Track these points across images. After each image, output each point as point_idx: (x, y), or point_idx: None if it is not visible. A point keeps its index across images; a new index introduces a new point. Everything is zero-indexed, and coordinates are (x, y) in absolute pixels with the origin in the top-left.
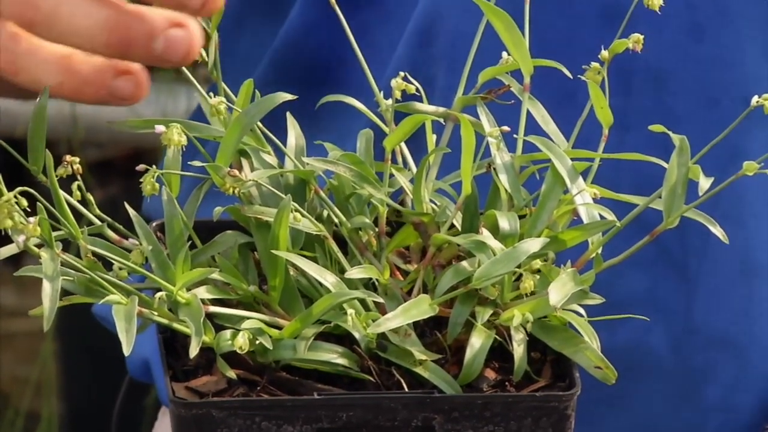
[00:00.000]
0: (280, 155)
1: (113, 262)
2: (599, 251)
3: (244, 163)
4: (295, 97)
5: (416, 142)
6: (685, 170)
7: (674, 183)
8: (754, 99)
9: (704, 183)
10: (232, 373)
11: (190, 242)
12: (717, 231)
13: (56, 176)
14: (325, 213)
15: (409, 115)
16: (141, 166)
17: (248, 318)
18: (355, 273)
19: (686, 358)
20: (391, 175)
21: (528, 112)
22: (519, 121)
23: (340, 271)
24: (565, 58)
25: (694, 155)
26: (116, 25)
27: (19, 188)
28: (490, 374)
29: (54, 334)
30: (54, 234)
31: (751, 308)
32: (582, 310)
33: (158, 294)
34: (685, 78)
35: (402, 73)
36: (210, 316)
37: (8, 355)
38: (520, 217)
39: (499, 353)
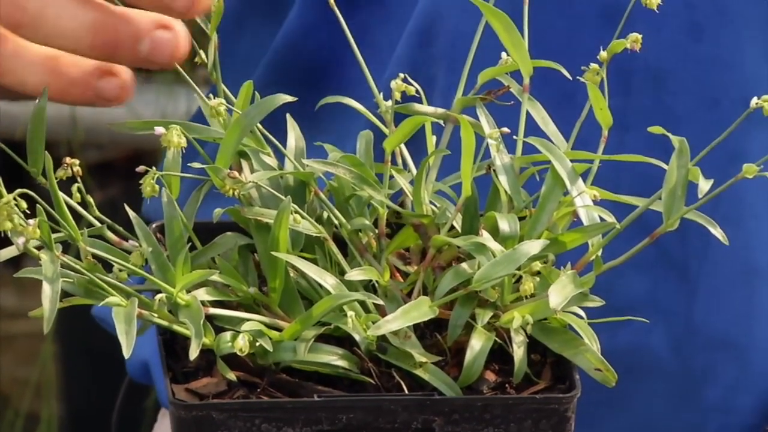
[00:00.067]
0: (280, 157)
1: (113, 263)
2: (599, 253)
3: (244, 164)
4: (295, 98)
5: (416, 143)
6: (684, 172)
7: (674, 185)
8: (754, 100)
9: (704, 185)
10: (232, 375)
11: (189, 244)
12: (717, 233)
13: (56, 178)
14: (325, 215)
15: (408, 117)
16: (141, 168)
17: (248, 320)
18: (355, 275)
19: (687, 360)
20: (391, 177)
21: (527, 113)
22: (519, 123)
23: (340, 273)
24: (565, 59)
25: (694, 154)
26: (102, 27)
27: (19, 190)
28: (490, 376)
29: (54, 335)
30: (54, 236)
31: (752, 309)
32: (582, 312)
33: (158, 296)
34: (685, 78)
35: (402, 75)
36: (210, 318)
37: (8, 356)
38: (520, 218)
39: (499, 355)
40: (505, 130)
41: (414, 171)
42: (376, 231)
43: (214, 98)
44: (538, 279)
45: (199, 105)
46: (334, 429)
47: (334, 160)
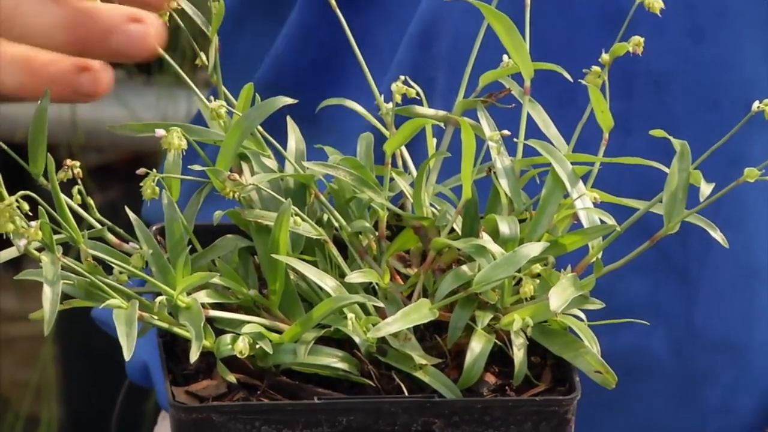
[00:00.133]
0: (281, 159)
1: (113, 266)
2: (600, 256)
3: (244, 167)
4: (295, 101)
5: (416, 145)
6: (686, 175)
7: (675, 188)
8: (755, 104)
9: (705, 188)
10: (232, 378)
11: (190, 246)
12: (718, 236)
13: (57, 180)
14: (325, 217)
15: (409, 119)
16: (141, 170)
17: (248, 322)
18: (355, 277)
19: (687, 362)
20: (392, 179)
21: (528, 116)
22: (519, 125)
23: (340, 276)
24: (566, 61)
25: (695, 155)
26: (75, 22)
27: (21, 192)
28: (490, 378)
29: (54, 338)
30: (54, 238)
31: (752, 312)
32: (582, 315)
33: (158, 298)
34: (686, 80)
35: (402, 77)
36: (210, 321)
37: (8, 359)
38: (521, 221)
39: (499, 358)
40: (506, 132)
41: (414, 173)
42: (377, 233)
43: (214, 100)
44: (538, 281)
45: (199, 107)
46: (334, 431)
47: (335, 162)
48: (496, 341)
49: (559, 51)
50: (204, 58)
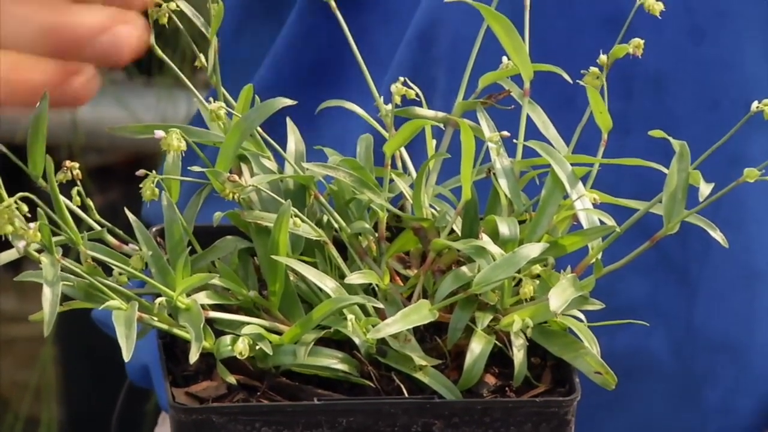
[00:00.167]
0: (280, 160)
1: (113, 267)
2: (599, 256)
3: (244, 168)
4: (295, 102)
5: (416, 147)
6: (685, 175)
7: (674, 188)
8: (754, 104)
9: (705, 189)
10: (232, 379)
11: (189, 247)
12: (717, 236)
13: (56, 182)
14: (325, 218)
15: (408, 120)
16: (141, 172)
17: (248, 323)
18: (354, 278)
19: (687, 362)
20: (391, 180)
21: (528, 117)
22: (519, 126)
23: (340, 277)
24: (566, 62)
25: (694, 155)
26: (57, 27)
27: (20, 194)
28: (490, 379)
29: (54, 338)
30: (54, 239)
31: (752, 312)
32: (582, 316)
33: (158, 299)
34: (685, 80)
35: (402, 78)
36: (210, 322)
37: (8, 360)
38: (520, 222)
39: (499, 358)
40: (505, 133)
41: (414, 174)
42: (376, 234)
43: (214, 101)
44: (538, 282)
45: (198, 107)
46: None
47: (334, 163)
48: (496, 342)
49: (559, 52)
50: (203, 59)
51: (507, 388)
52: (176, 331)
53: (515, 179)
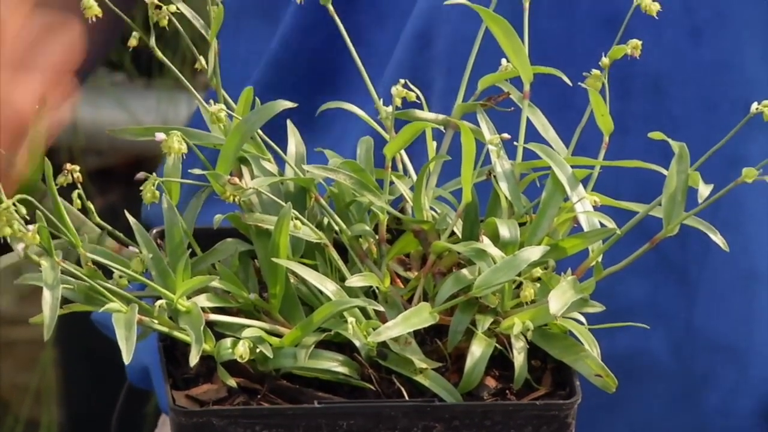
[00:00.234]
0: (281, 162)
1: (113, 270)
2: (599, 259)
3: (245, 170)
4: (295, 104)
5: (416, 149)
6: (684, 177)
7: (674, 190)
8: (753, 106)
9: (704, 190)
10: (232, 382)
11: (190, 250)
12: (717, 239)
13: (56, 184)
14: (326, 221)
15: (409, 123)
16: (141, 174)
17: (249, 326)
18: (355, 281)
19: (686, 364)
20: (392, 183)
21: (528, 120)
22: (519, 129)
23: (341, 279)
24: (565, 64)
25: (693, 156)
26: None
27: (19, 196)
28: (491, 382)
29: (54, 341)
30: (54, 242)
31: (751, 314)
32: (582, 318)
33: (158, 302)
34: (684, 81)
35: (402, 80)
36: (210, 324)
37: (8, 362)
38: (521, 224)
39: (500, 361)
40: (506, 136)
41: (414, 177)
42: (377, 237)
43: (213, 103)
44: (538, 285)
45: (197, 108)
46: None
47: (335, 165)
48: (497, 345)
49: (558, 53)
50: (203, 61)
51: (507, 391)
52: (176, 333)
53: (515, 181)
